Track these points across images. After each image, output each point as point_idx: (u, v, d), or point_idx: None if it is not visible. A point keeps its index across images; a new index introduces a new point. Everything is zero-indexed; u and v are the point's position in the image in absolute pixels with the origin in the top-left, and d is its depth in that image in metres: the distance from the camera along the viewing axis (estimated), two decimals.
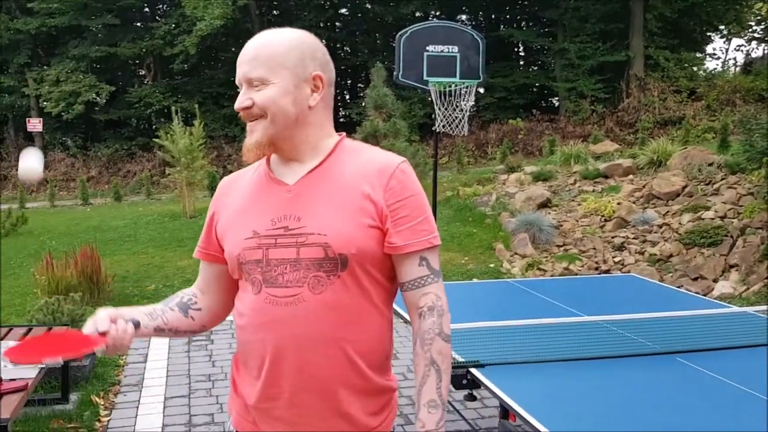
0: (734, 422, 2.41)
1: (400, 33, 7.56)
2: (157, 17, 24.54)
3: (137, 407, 4.27)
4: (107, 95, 21.84)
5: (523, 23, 25.11)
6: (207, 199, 14.42)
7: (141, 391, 4.53)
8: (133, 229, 11.22)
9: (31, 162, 1.42)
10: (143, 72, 24.50)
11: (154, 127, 22.31)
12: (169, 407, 4.25)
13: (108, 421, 4.07)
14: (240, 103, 1.48)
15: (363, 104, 17.58)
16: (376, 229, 1.47)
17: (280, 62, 1.46)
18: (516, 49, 25.57)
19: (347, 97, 27.37)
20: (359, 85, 26.75)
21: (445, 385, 1.49)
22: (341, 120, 25.07)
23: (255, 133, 1.48)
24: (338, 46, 26.17)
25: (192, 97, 21.06)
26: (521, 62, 25.46)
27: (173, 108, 12.91)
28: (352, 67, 26.09)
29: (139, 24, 24.07)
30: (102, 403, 4.29)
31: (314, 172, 1.50)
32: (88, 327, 1.43)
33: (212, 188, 15.50)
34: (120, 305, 5.56)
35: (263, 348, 1.49)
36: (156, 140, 13.03)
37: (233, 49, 23.97)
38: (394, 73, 7.59)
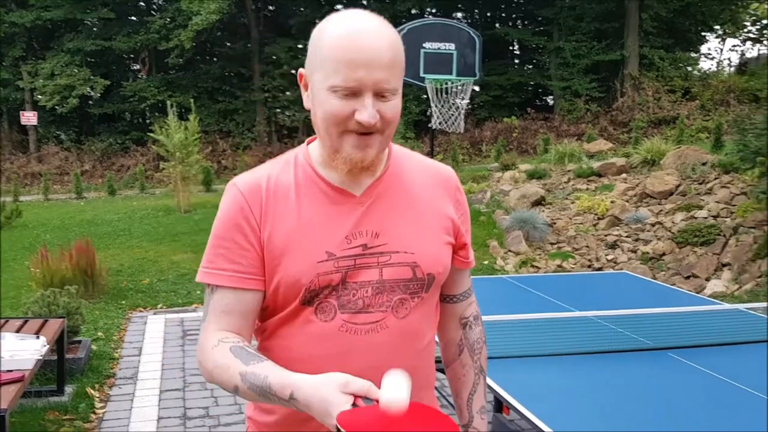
0: (726, 418, 2.45)
1: (397, 30, 7.59)
2: (152, 11, 24.44)
3: (132, 400, 4.28)
4: (102, 89, 21.74)
5: (519, 22, 25.12)
6: (202, 195, 14.42)
7: (136, 383, 4.54)
8: (127, 223, 11.20)
9: (398, 393, 1.06)
10: (138, 66, 24.41)
11: (148, 121, 22.28)
12: (164, 400, 4.26)
13: (103, 413, 4.08)
14: (374, 117, 1.20)
15: None
16: (451, 245, 1.41)
17: (403, 68, 1.27)
18: (511, 48, 25.59)
19: None
20: None
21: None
22: None
23: (372, 149, 1.24)
24: None
25: (187, 92, 21.03)
26: (516, 60, 25.47)
27: (168, 102, 12.89)
28: None
29: (134, 18, 23.97)
30: (97, 395, 4.30)
31: (382, 181, 1.33)
32: (340, 405, 1.07)
33: (207, 183, 15.52)
34: (115, 299, 5.55)
35: None
36: (151, 134, 13.01)
37: (228, 43, 23.92)
38: None
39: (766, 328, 3.30)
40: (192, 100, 14.24)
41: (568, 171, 11.97)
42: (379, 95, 1.21)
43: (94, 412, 4.07)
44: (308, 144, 1.38)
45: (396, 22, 22.00)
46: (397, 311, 1.31)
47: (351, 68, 1.18)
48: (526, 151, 16.85)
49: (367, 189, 1.32)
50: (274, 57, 21.42)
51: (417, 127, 18.59)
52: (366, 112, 1.20)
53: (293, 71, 21.65)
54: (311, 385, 1.11)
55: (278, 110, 21.33)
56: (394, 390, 1.06)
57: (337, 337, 1.28)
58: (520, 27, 24.21)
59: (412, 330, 1.33)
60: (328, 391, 1.08)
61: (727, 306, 3.63)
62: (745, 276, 7.14)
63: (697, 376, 2.83)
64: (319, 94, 1.23)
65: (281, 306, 1.30)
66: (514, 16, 25.41)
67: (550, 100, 22.47)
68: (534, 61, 23.60)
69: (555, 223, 9.48)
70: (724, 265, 7.53)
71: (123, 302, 6.50)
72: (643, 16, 18.90)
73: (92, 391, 4.32)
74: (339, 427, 1.02)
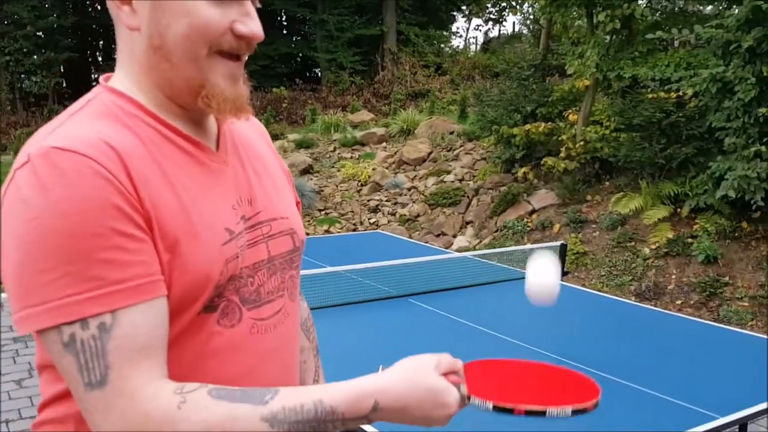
0: (453, 349, 2.89)
1: None
2: None
3: None
4: None
5: None
6: None
7: None
8: None
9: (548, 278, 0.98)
10: None
11: None
12: None
13: None
14: (257, 29, 0.94)
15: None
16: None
17: None
18: (279, 18, 25.62)
19: (100, 58, 25.41)
20: (114, 45, 24.97)
21: None
22: (94, 84, 23.23)
23: (242, 82, 0.98)
24: (86, 0, 24.09)
25: None
26: (284, 31, 25.57)
27: None
28: (105, 26, 24.23)
29: None
30: None
31: (223, 130, 1.03)
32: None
33: None
34: None
35: None
36: None
37: None
38: None
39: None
40: None
41: (334, 140, 12.49)
42: (251, 1, 0.95)
43: None
44: (108, 84, 0.97)
45: None
46: (291, 293, 1.07)
47: None
48: (296, 122, 17.12)
49: (219, 140, 1.01)
50: (16, 16, 19.17)
51: None
52: (251, 21, 0.92)
53: (39, 33, 19.60)
54: (403, 383, 0.89)
55: (23, 75, 19.20)
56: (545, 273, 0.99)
57: (249, 344, 0.97)
58: None
59: (298, 311, 1.11)
60: (430, 380, 0.89)
61: (454, 255, 4.19)
62: (484, 231, 8.12)
63: (431, 316, 3.27)
64: (178, 1, 0.89)
65: (171, 319, 0.88)
66: None
67: (317, 71, 22.95)
68: (301, 32, 23.90)
69: (323, 191, 9.89)
70: (468, 223, 8.49)
71: None
72: None
73: None
74: (468, 396, 0.91)
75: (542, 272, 1.05)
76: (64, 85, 19.71)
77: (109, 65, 20.98)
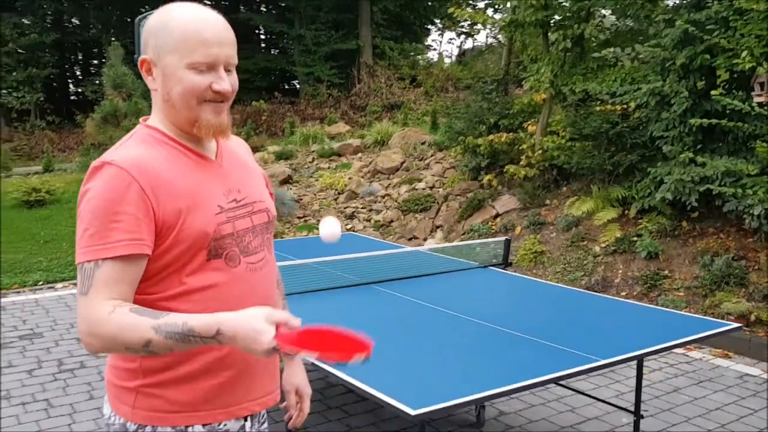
0: (414, 327, 3.44)
1: (138, 18, 7.75)
2: None
3: None
4: None
5: (263, 7, 25.74)
6: None
7: None
8: None
9: (333, 229, 1.90)
10: None
11: None
12: None
13: None
14: (226, 87, 1.49)
15: (98, 82, 16.85)
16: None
17: None
18: (257, 32, 26.16)
19: (78, 74, 25.72)
20: (93, 61, 25.30)
21: None
22: (73, 98, 23.57)
23: (224, 114, 1.53)
24: (65, 18, 24.43)
25: None
26: (263, 45, 26.11)
27: None
28: (84, 42, 24.57)
29: None
30: None
31: (221, 146, 1.63)
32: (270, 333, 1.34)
33: None
34: None
35: None
36: None
37: None
38: (135, 55, 7.76)
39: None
40: None
41: (312, 151, 13.04)
42: (226, 69, 1.49)
43: None
44: (146, 123, 1.57)
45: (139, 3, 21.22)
46: (269, 248, 1.65)
47: (207, 47, 1.45)
48: (275, 134, 17.63)
49: (218, 153, 1.61)
50: None
51: None
52: (223, 82, 1.48)
53: (20, 50, 19.93)
54: (239, 320, 1.34)
55: (5, 92, 19.50)
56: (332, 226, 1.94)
57: (245, 277, 1.55)
58: (263, 12, 24.83)
59: (274, 261, 1.71)
60: (256, 321, 1.33)
61: (409, 249, 4.76)
62: (452, 234, 8.72)
63: (394, 299, 3.82)
64: (176, 73, 1.46)
65: (185, 262, 1.48)
66: (258, 1, 25.96)
67: (296, 84, 23.49)
68: (280, 46, 24.45)
69: (302, 199, 10.44)
70: (437, 227, 9.07)
71: None
72: (374, 9, 20.70)
73: None
74: (277, 347, 1.31)
75: (326, 227, 2.08)
76: (44, 99, 20.01)
77: (89, 80, 21.31)
